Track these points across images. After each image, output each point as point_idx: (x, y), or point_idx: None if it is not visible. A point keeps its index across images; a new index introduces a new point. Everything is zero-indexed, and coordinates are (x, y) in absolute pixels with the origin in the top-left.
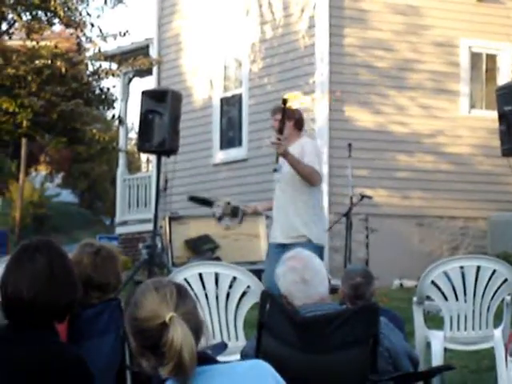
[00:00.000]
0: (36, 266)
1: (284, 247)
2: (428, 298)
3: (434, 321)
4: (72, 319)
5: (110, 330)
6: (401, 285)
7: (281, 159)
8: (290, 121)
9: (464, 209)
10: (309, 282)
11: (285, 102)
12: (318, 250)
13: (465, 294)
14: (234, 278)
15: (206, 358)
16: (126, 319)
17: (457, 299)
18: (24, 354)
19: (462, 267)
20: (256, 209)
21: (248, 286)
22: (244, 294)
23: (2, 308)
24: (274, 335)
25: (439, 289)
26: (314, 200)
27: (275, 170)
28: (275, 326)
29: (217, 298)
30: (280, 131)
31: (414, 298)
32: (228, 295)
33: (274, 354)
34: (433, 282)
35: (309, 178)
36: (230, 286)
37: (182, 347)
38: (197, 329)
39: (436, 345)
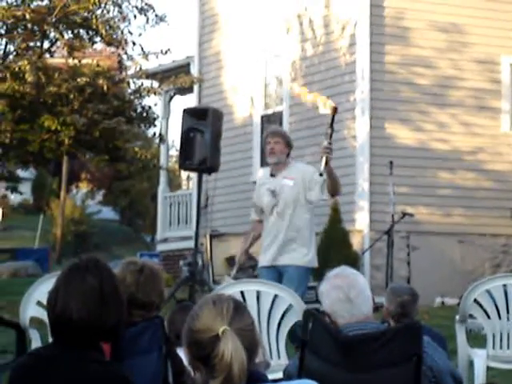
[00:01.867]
0: (86, 286)
1: (277, 268)
2: (470, 316)
3: (477, 339)
4: (115, 337)
5: (153, 349)
6: (442, 303)
7: (277, 185)
8: (287, 148)
9: (506, 226)
10: (353, 300)
11: (336, 110)
12: (309, 272)
13: (507, 312)
14: (276, 296)
15: (258, 376)
16: (184, 330)
17: (500, 317)
18: (72, 374)
19: (504, 285)
20: (246, 253)
21: (290, 304)
22: (286, 311)
23: (50, 327)
24: (317, 354)
25: (482, 307)
26: (312, 222)
27: (272, 193)
28: (318, 345)
29: (259, 315)
30: (329, 137)
31: (457, 317)
32: (270, 313)
33: (317, 373)
34: (475, 301)
35: (339, 185)
36: (272, 304)
37: (232, 361)
38: (251, 346)
39: (479, 363)
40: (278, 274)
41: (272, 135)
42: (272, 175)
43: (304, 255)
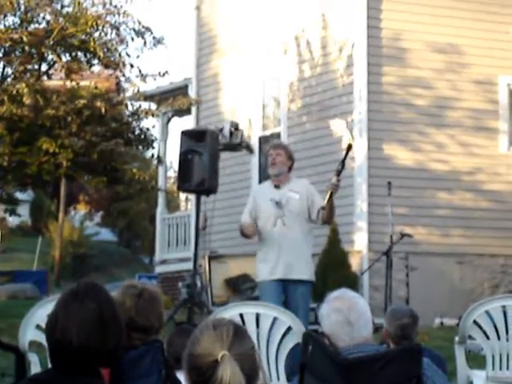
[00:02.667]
0: (85, 311)
1: (284, 282)
2: (470, 337)
3: (476, 360)
4: (115, 361)
5: (153, 372)
6: (441, 323)
7: (282, 197)
8: (289, 161)
9: (504, 246)
10: (353, 324)
11: (350, 147)
12: (312, 286)
13: (507, 333)
14: (275, 319)
15: None
16: (184, 354)
17: (499, 338)
18: None
19: (503, 306)
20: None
21: (289, 327)
22: (285, 334)
23: (49, 351)
24: (317, 376)
25: (481, 328)
26: (312, 238)
27: (277, 204)
28: (317, 368)
29: (258, 338)
30: (338, 173)
31: (456, 338)
32: (269, 335)
33: None
34: (475, 322)
35: (333, 216)
36: (271, 327)
37: None
38: (251, 371)
39: None
40: (283, 287)
41: (274, 147)
42: (276, 187)
43: (309, 269)
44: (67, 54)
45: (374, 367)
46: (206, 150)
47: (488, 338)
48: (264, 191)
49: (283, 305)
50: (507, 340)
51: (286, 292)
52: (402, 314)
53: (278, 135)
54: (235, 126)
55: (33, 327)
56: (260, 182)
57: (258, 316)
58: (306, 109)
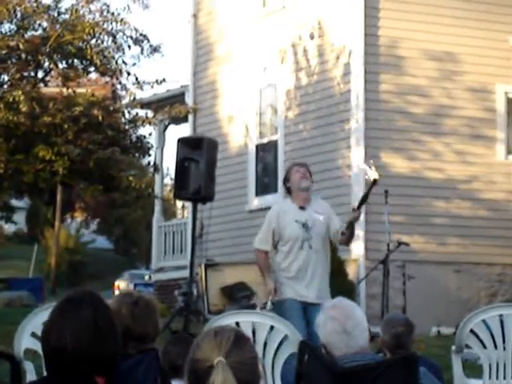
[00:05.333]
0: (81, 319)
1: (313, 305)
2: (467, 346)
3: (473, 369)
4: (110, 370)
5: (148, 381)
6: (438, 332)
7: (308, 218)
8: (311, 178)
9: (501, 255)
10: (350, 332)
11: (375, 182)
12: None
13: (504, 342)
14: (271, 327)
15: None
16: (186, 358)
17: (496, 347)
18: None
19: (500, 315)
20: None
21: (285, 336)
22: (281, 343)
23: (44, 359)
24: None
25: (478, 337)
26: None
27: (304, 226)
28: (313, 377)
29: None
30: (359, 206)
31: (453, 347)
32: (265, 344)
33: None
34: (471, 331)
35: (352, 240)
36: (268, 336)
37: None
38: (248, 380)
39: None
40: (303, 308)
41: (299, 165)
42: (301, 208)
43: (329, 291)
44: (64, 62)
45: (370, 376)
46: (202, 158)
47: (485, 347)
48: (288, 211)
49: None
50: (504, 349)
51: (308, 313)
52: (396, 323)
53: (274, 143)
54: None
55: (28, 335)
56: (256, 189)
57: (254, 325)
58: (303, 117)
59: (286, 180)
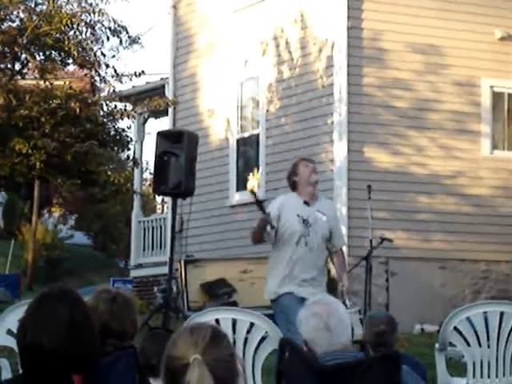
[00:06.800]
0: (57, 315)
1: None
2: (450, 344)
3: (457, 367)
4: (87, 368)
5: (126, 379)
6: (422, 329)
7: (310, 215)
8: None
9: (486, 252)
10: (332, 329)
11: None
12: None
13: (488, 339)
14: (252, 324)
15: None
16: (163, 356)
17: (480, 345)
18: None
19: (485, 313)
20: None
21: (266, 332)
22: (262, 340)
23: (20, 357)
24: (293, 383)
25: (462, 335)
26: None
27: (304, 221)
28: (294, 374)
29: (234, 344)
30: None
31: (437, 345)
32: (246, 341)
33: None
34: (455, 328)
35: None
36: (248, 332)
37: None
38: (225, 378)
39: None
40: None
41: (307, 160)
42: (305, 203)
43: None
44: (41, 53)
45: (352, 374)
46: (182, 152)
47: (469, 344)
48: (292, 204)
49: None
50: (488, 347)
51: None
52: (378, 321)
53: (256, 137)
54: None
55: (4, 332)
56: (238, 184)
57: (234, 322)
58: (285, 110)
59: (293, 174)
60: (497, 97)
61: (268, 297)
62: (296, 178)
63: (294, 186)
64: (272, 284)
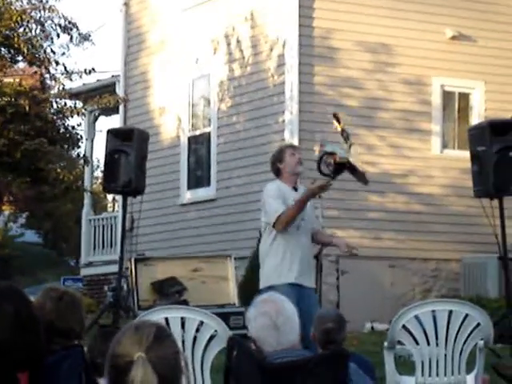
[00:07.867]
0: (2, 315)
1: (300, 287)
2: (399, 342)
3: (406, 366)
4: (32, 365)
5: (72, 377)
6: (372, 328)
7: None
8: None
9: (436, 250)
10: (280, 328)
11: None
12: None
13: (436, 338)
14: (201, 323)
15: None
16: (107, 354)
17: (428, 344)
18: None
19: (433, 311)
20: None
21: (215, 331)
22: (211, 338)
23: None
24: (241, 381)
25: (410, 333)
26: None
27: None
28: (242, 372)
29: (183, 342)
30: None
31: (385, 343)
32: (195, 340)
33: None
34: (404, 327)
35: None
36: (197, 331)
37: None
38: (168, 375)
39: None
40: (297, 292)
41: (294, 148)
42: (294, 189)
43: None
44: None
45: (299, 372)
46: (132, 150)
47: (417, 343)
48: (284, 191)
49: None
50: (437, 345)
51: (300, 296)
52: (326, 319)
53: (207, 135)
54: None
55: None
56: (189, 182)
57: (183, 320)
58: (237, 108)
59: (278, 160)
60: (447, 96)
61: (264, 284)
62: (281, 166)
63: (277, 173)
64: (271, 271)
